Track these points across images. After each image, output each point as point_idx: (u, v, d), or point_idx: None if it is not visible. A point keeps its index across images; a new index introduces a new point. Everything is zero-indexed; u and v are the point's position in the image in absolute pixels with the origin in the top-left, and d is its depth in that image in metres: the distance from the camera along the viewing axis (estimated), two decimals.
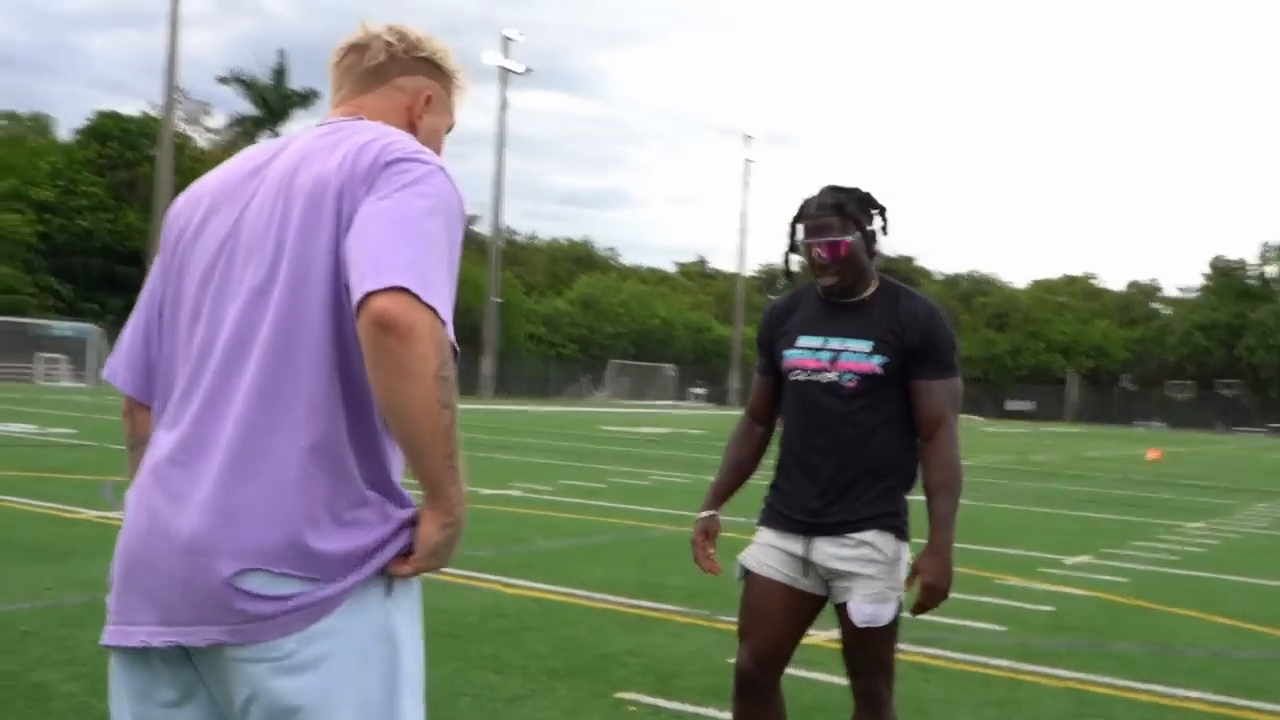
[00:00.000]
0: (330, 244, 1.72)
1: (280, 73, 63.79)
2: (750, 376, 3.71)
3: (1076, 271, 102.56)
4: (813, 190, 3.28)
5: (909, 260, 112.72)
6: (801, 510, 3.21)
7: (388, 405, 1.65)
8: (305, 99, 64.60)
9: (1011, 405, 79.66)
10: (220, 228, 1.84)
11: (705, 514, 3.40)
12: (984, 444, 33.06)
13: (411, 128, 1.94)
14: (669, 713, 4.73)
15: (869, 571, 3.11)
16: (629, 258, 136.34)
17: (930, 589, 3.07)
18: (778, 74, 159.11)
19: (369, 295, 1.61)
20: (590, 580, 7.53)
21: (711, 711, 4.75)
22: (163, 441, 1.79)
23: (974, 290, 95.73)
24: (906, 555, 3.23)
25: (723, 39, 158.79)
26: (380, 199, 1.70)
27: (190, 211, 1.90)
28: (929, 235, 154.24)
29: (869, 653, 3.15)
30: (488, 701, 4.74)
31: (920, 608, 3.11)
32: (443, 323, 1.65)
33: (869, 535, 3.12)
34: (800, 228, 3.24)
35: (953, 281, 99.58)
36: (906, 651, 5.97)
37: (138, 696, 1.80)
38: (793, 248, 3.30)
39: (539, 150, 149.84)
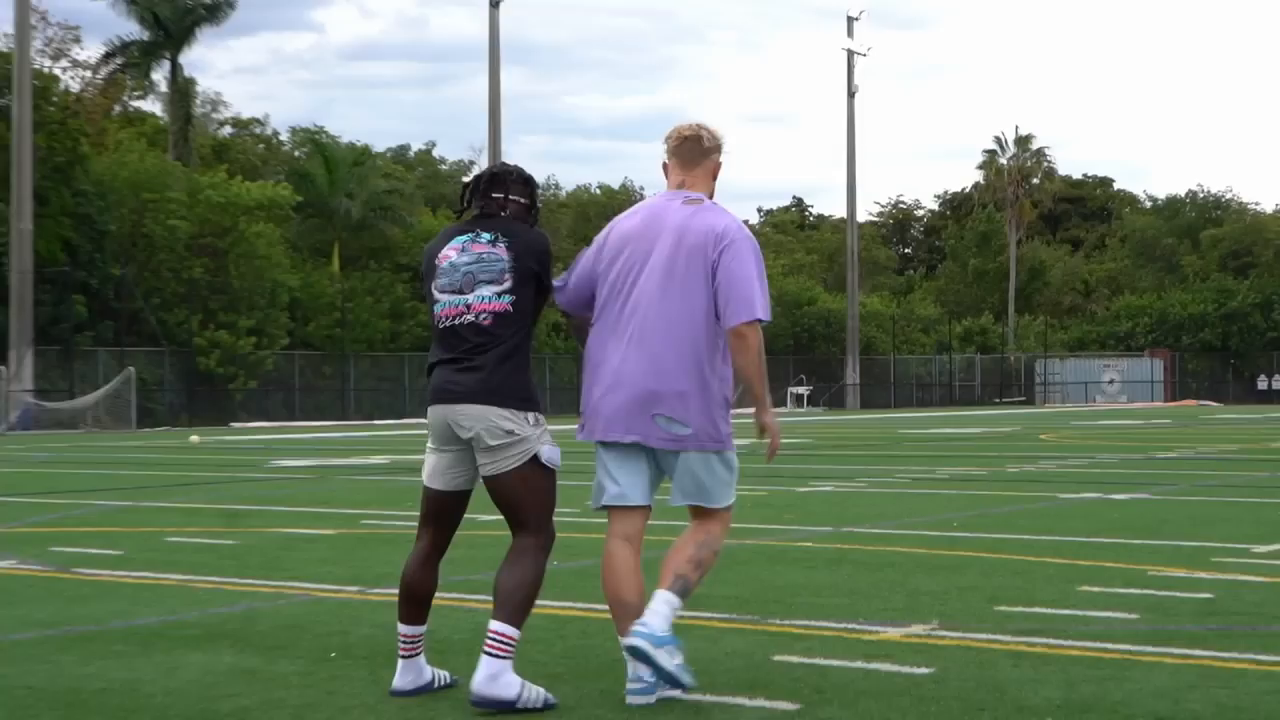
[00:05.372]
0: (705, 270, 5.95)
1: None
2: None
3: None
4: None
5: (1106, 183, 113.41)
6: None
7: (736, 366, 6.02)
8: (213, 11, 65.87)
9: (1265, 383, 79.34)
10: (639, 250, 6.06)
11: None
12: (1204, 434, 33.78)
13: (714, 176, 6.29)
14: (685, 703, 5.84)
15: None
16: None
17: None
18: None
19: (727, 326, 5.96)
20: None
21: (741, 700, 5.91)
22: (615, 345, 6.08)
23: (1201, 219, 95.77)
24: None
25: None
26: (730, 262, 5.94)
27: (618, 240, 6.15)
28: (1132, 147, 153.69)
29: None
30: (471, 704, 5.84)
31: None
32: (762, 320, 5.96)
33: None
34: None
35: (1172, 207, 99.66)
36: (1001, 642, 7.06)
37: (616, 459, 6.10)
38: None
39: (553, 61, 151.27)
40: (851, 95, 73.28)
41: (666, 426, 5.88)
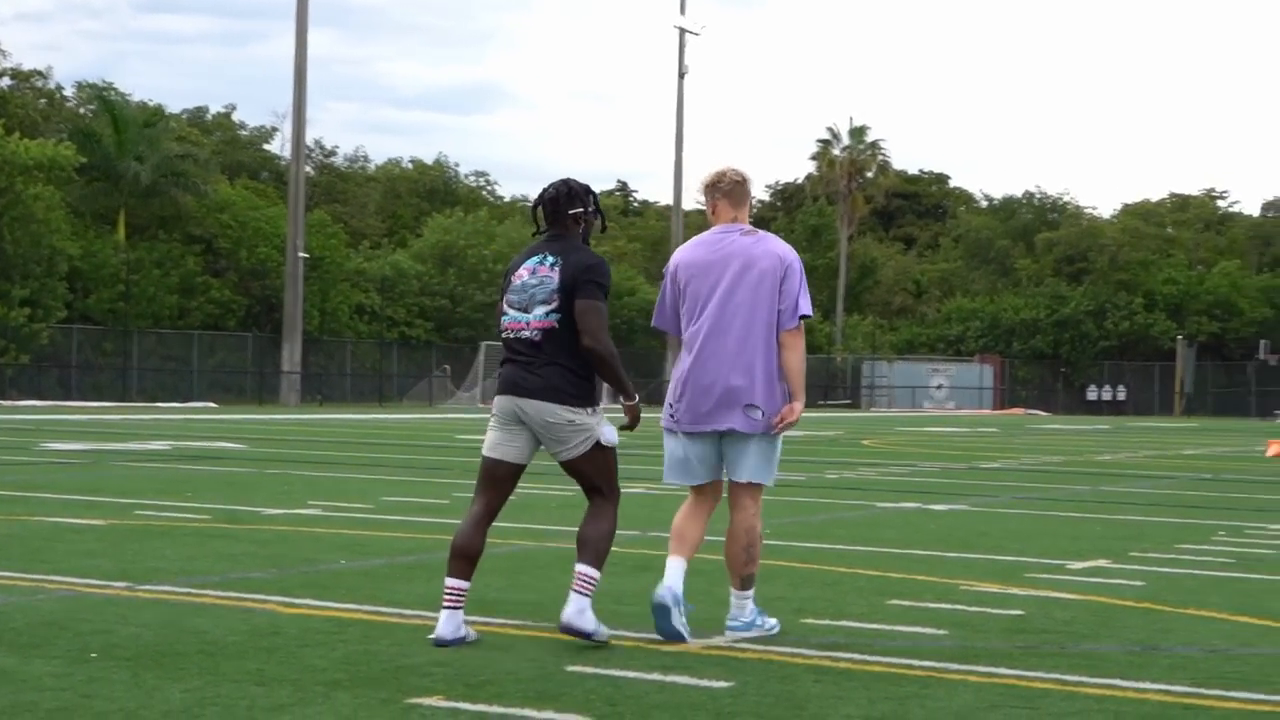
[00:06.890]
0: (772, 289, 7.76)
1: None
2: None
3: (1191, 189, 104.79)
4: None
5: (942, 180, 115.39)
6: None
7: (786, 364, 7.80)
8: None
9: (1095, 394, 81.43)
10: (710, 274, 7.81)
11: None
12: (1029, 445, 34.59)
13: (750, 210, 8.19)
14: (469, 714, 5.89)
15: None
16: (509, 187, 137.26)
17: None
18: None
19: (784, 329, 7.79)
20: (403, 598, 8.71)
21: (528, 712, 5.97)
22: (688, 356, 7.88)
23: (1037, 221, 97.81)
24: None
25: None
26: (789, 284, 7.78)
27: (687, 270, 7.89)
28: (970, 144, 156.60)
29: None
30: (242, 712, 5.86)
31: None
32: (806, 317, 7.87)
33: None
34: None
35: (1008, 207, 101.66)
36: (805, 656, 7.23)
37: (695, 446, 7.89)
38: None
39: (367, 24, 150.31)
40: (682, 76, 73.78)
41: (750, 414, 7.68)
